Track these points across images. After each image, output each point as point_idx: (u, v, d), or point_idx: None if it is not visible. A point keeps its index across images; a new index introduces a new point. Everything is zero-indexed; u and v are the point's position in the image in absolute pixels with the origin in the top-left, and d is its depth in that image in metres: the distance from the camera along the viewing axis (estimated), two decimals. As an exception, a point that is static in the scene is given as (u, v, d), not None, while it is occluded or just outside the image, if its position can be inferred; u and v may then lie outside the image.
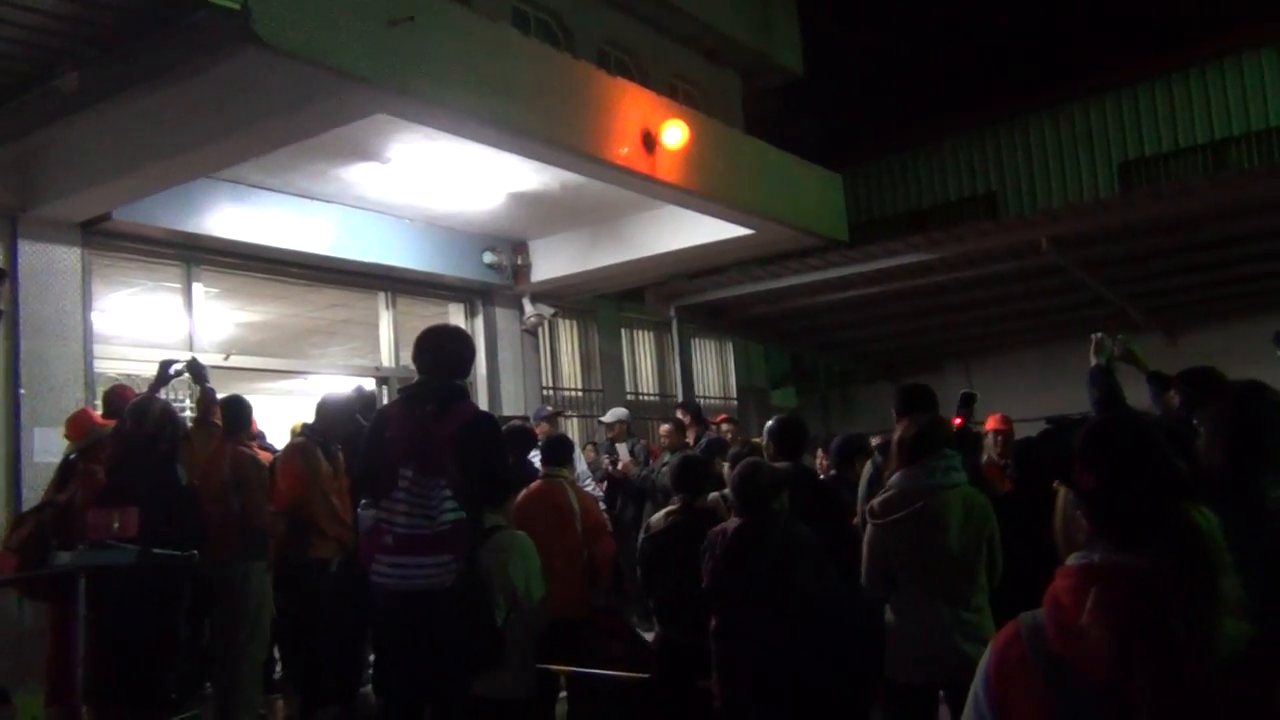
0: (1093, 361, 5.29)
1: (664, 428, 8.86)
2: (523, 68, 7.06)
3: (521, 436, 6.86)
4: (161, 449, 5.29)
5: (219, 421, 5.93)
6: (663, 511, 5.50)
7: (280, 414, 9.76)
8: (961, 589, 4.29)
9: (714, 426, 9.32)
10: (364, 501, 4.01)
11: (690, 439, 8.93)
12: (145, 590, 4.80)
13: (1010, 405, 10.99)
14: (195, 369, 6.15)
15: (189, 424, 5.97)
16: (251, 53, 5.36)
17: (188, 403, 7.70)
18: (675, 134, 7.92)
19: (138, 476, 5.11)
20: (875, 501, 4.50)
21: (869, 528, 4.51)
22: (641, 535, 5.57)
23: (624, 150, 7.72)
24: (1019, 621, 1.80)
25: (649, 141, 7.85)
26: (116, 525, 4.51)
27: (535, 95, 7.07)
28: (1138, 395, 5.54)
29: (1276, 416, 3.69)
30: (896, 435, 4.65)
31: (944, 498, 4.35)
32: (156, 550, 4.45)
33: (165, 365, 6.05)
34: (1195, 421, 4.03)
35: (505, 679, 4.87)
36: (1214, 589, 1.53)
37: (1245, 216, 9.45)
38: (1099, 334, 5.34)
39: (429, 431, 3.86)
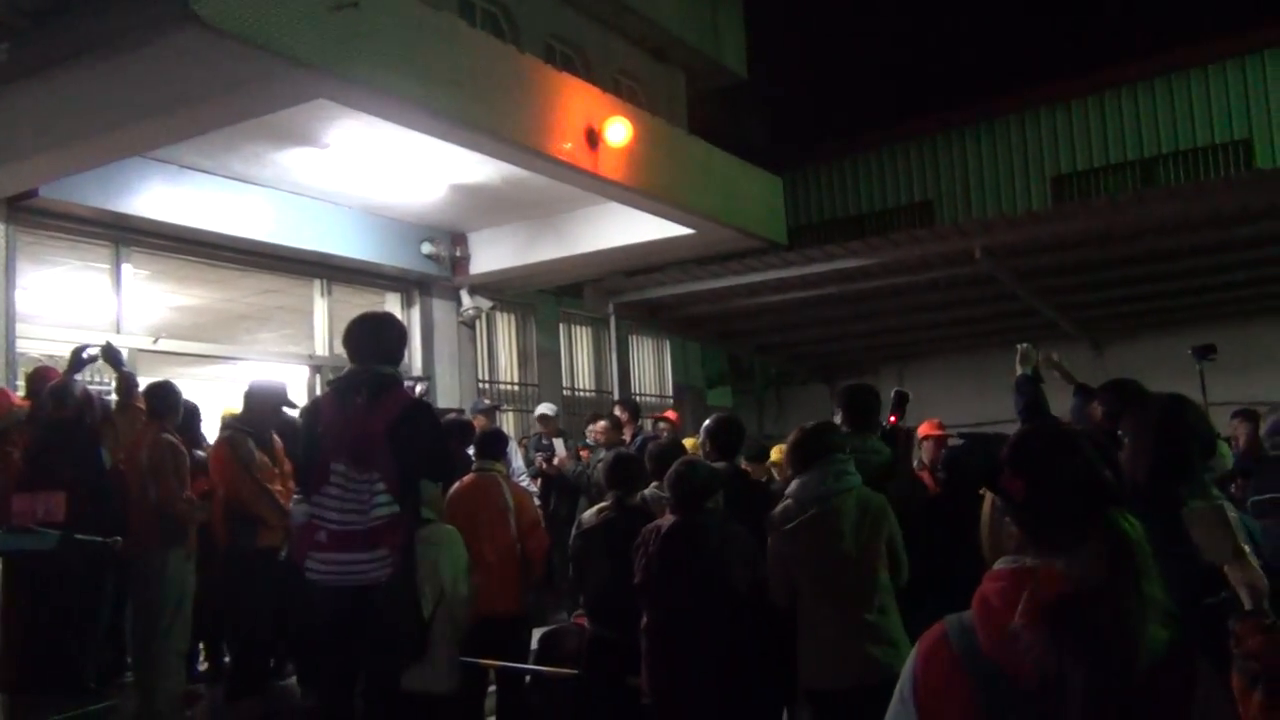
0: (1018, 371, 5.39)
1: (599, 424, 8.83)
2: (468, 58, 7.01)
3: (461, 430, 6.84)
4: (84, 432, 5.16)
5: (141, 405, 5.81)
6: (595, 508, 5.51)
7: (211, 400, 9.56)
8: (863, 592, 4.32)
9: (654, 423, 9.36)
10: (296, 496, 3.94)
11: (627, 436, 8.95)
12: (66, 576, 4.68)
13: (943, 411, 11.17)
14: (110, 354, 6.02)
15: (112, 408, 5.81)
16: (191, 32, 5.24)
17: (111, 386, 7.53)
18: (619, 131, 7.92)
19: (62, 460, 4.99)
20: (775, 511, 4.53)
21: (770, 538, 4.53)
22: (574, 531, 5.56)
23: (567, 145, 7.70)
24: (945, 623, 1.82)
25: (592, 137, 7.84)
26: (42, 511, 4.39)
27: (480, 86, 7.01)
28: (1060, 406, 5.67)
29: (1196, 429, 3.80)
30: (790, 441, 4.68)
31: (838, 502, 4.39)
32: (79, 536, 4.33)
33: (79, 350, 5.93)
34: (1120, 433, 4.14)
35: (430, 673, 4.84)
36: (1141, 594, 1.57)
37: (1172, 233, 9.71)
38: (1025, 344, 5.44)
39: (360, 424, 3.81)
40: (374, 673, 3.89)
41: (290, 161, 8.24)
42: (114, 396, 6.23)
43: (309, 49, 5.72)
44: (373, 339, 4.11)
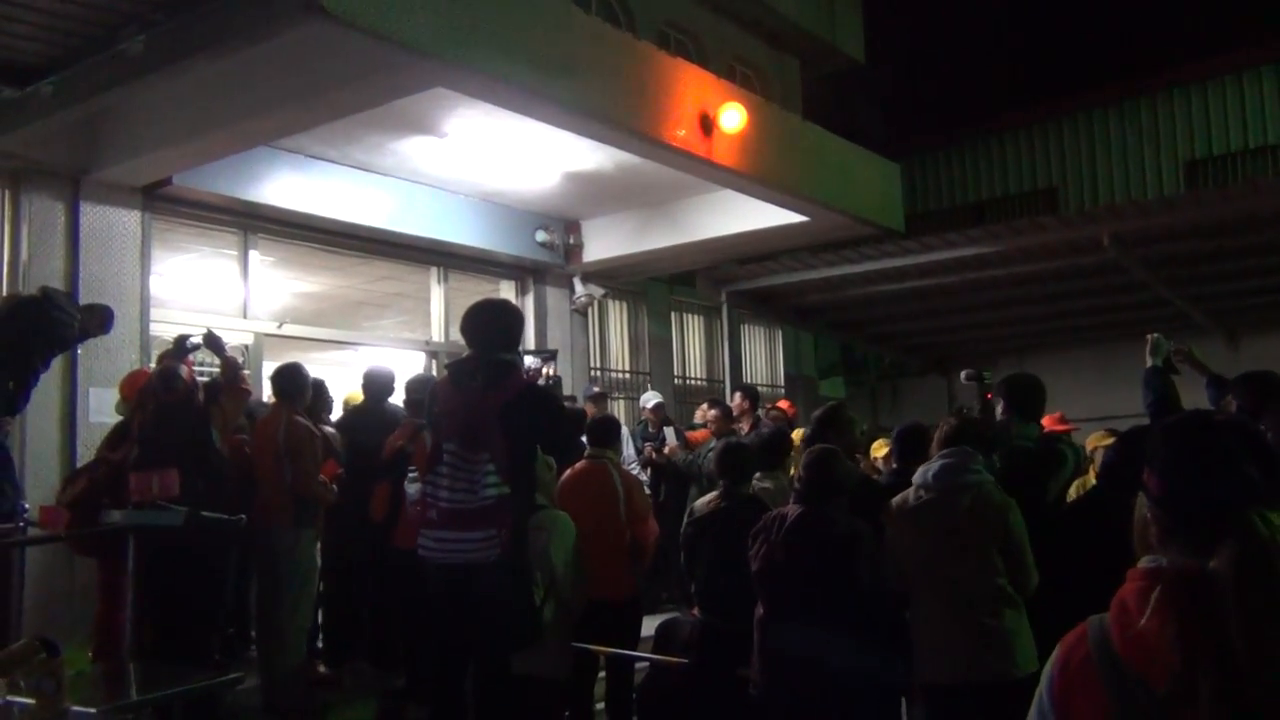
0: (1148, 363, 5.17)
1: (711, 412, 8.77)
2: (583, 45, 7.02)
3: (574, 417, 6.87)
4: (193, 413, 5.35)
5: (245, 388, 6.00)
6: (707, 497, 5.47)
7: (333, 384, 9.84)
8: (976, 590, 4.20)
9: (765, 412, 9.26)
10: (411, 474, 4.01)
11: (745, 425, 8.85)
12: (193, 552, 4.85)
13: (1065, 405, 10.80)
14: (211, 341, 6.21)
15: (219, 391, 6.00)
16: (315, 23, 5.37)
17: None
18: (733, 117, 7.84)
19: (172, 440, 5.18)
20: (896, 499, 4.44)
21: (886, 524, 4.44)
22: (685, 520, 5.53)
23: (681, 132, 7.66)
24: (1088, 623, 1.76)
25: (706, 124, 7.77)
26: (158, 488, 4.56)
27: (594, 73, 7.02)
28: (1195, 399, 5.43)
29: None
30: (939, 431, 4.57)
31: (958, 494, 4.28)
32: (205, 514, 4.48)
33: (183, 338, 6.15)
34: (1262, 427, 3.93)
35: (542, 658, 4.89)
36: (1273, 598, 1.46)
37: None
38: (1155, 334, 5.22)
39: (473, 406, 3.85)
40: (484, 654, 3.92)
41: (409, 150, 8.39)
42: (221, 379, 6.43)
43: (427, 38, 5.80)
44: (490, 326, 4.15)
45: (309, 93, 6.26)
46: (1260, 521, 1.52)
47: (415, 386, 6.21)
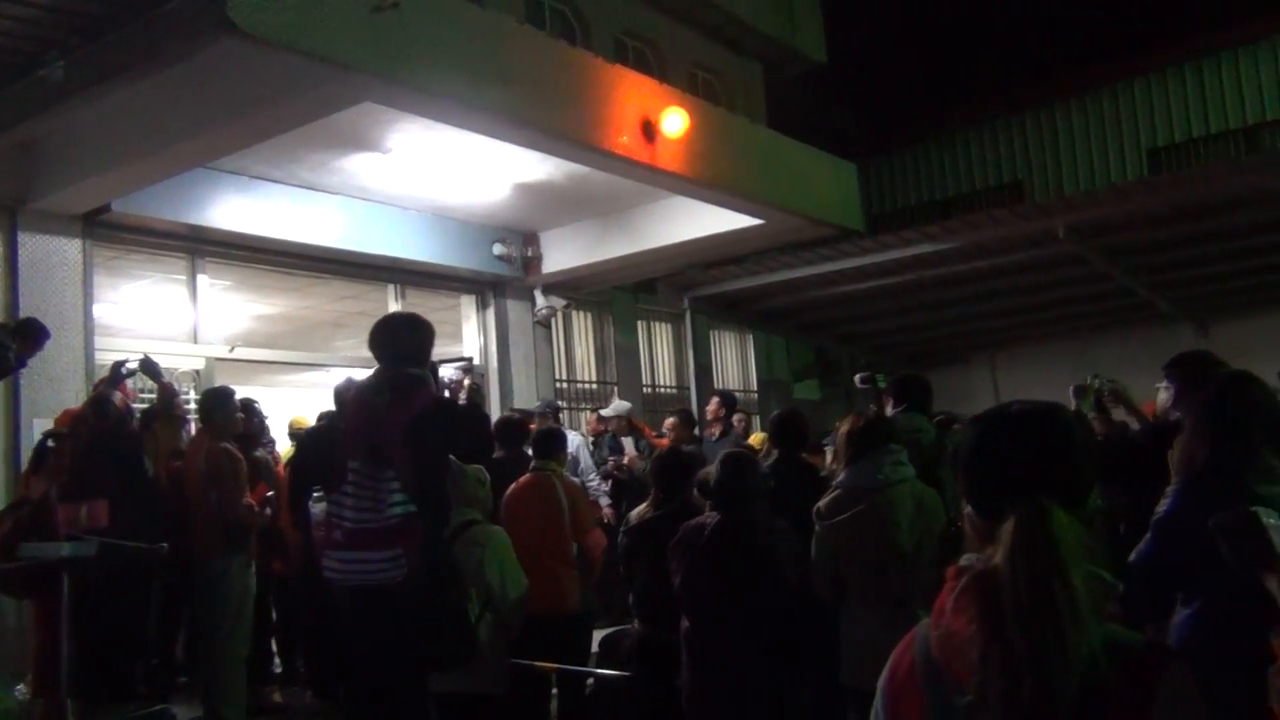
0: (1072, 405, 5.19)
1: (669, 421, 8.70)
2: (515, 54, 6.97)
3: (514, 429, 6.81)
4: (126, 441, 5.27)
5: (181, 413, 5.92)
6: (641, 506, 5.40)
7: (303, 409, 9.76)
8: (916, 588, 4.12)
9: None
10: (316, 494, 3.93)
11: (716, 431, 8.75)
12: (110, 583, 4.77)
13: (1040, 398, 10.75)
14: (147, 366, 6.13)
15: (154, 417, 5.91)
16: (229, 40, 5.31)
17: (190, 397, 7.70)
18: (675, 122, 7.79)
19: (104, 469, 5.10)
20: (822, 502, 4.37)
21: (818, 529, 4.37)
22: (621, 531, 5.46)
23: (623, 139, 7.60)
24: (916, 628, 1.71)
25: (649, 130, 7.72)
26: (85, 519, 4.48)
27: (529, 83, 6.97)
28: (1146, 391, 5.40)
29: (1261, 409, 3.53)
30: (841, 431, 4.53)
31: (892, 494, 4.21)
32: (119, 542, 4.40)
33: (118, 365, 6.07)
34: (1177, 415, 3.88)
35: (479, 675, 4.80)
36: (1048, 591, 1.39)
37: (1276, 202, 9.14)
38: (1093, 377, 5.27)
39: (378, 422, 3.78)
40: (396, 676, 3.83)
41: (355, 167, 8.32)
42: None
43: (351, 52, 5.74)
44: (397, 340, 4.08)
45: (234, 112, 6.19)
46: (1039, 514, 1.46)
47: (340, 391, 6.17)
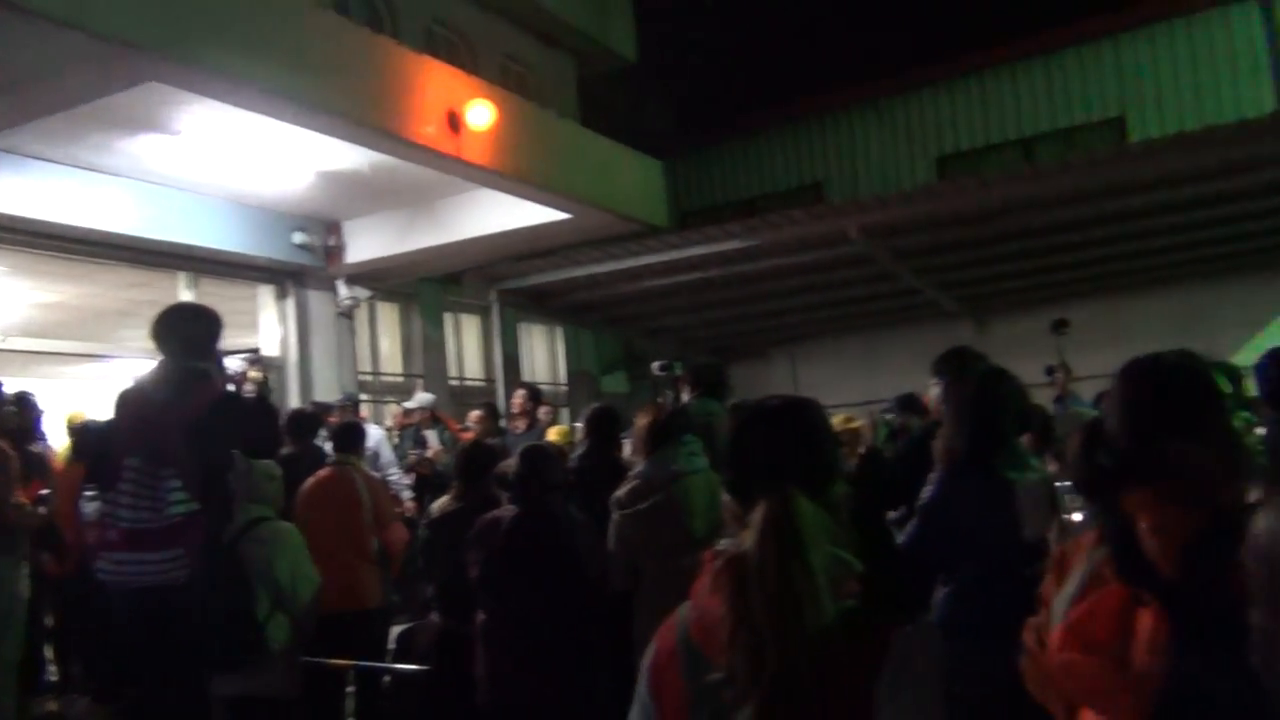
0: None
1: (474, 414, 8.66)
2: (315, 40, 6.80)
3: (306, 422, 6.66)
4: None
5: None
6: (443, 498, 5.38)
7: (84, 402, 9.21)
8: None
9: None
10: (89, 493, 3.75)
11: (522, 425, 8.76)
12: None
13: (834, 393, 11.28)
14: None
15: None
16: (1, 13, 4.97)
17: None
18: (481, 114, 7.76)
19: None
20: (621, 491, 4.47)
21: (614, 518, 4.47)
22: (422, 523, 5.43)
23: (429, 130, 7.52)
24: (679, 608, 1.79)
25: (455, 121, 7.66)
26: None
27: (330, 69, 6.81)
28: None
29: (1012, 402, 3.82)
30: (640, 423, 4.65)
31: (688, 483, 4.35)
32: None
33: None
34: (944, 405, 4.15)
35: (268, 677, 4.67)
36: (789, 572, 1.50)
37: (1047, 209, 9.86)
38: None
39: (158, 418, 3.63)
40: (175, 678, 3.70)
41: (141, 150, 7.91)
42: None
43: (134, 30, 5.47)
44: (179, 332, 3.93)
45: (5, 88, 5.79)
46: (784, 500, 1.56)
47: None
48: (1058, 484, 2.54)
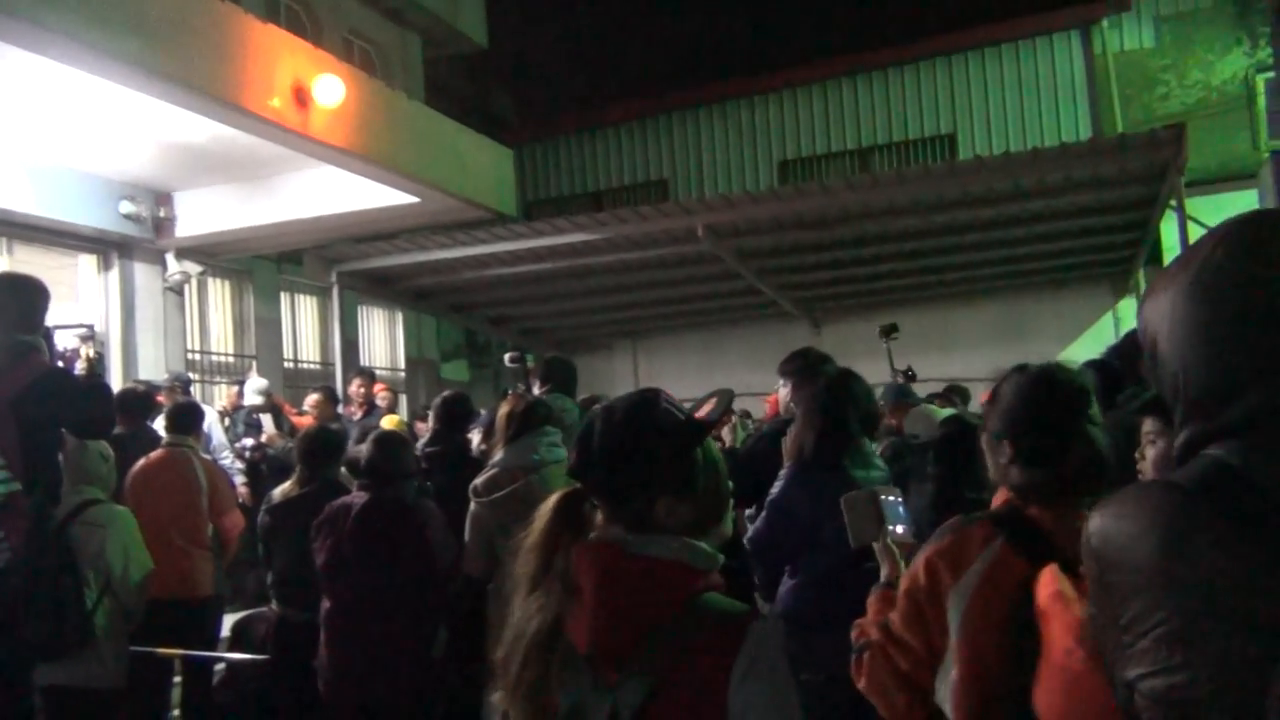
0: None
1: (313, 397, 8.43)
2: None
3: (139, 402, 6.37)
4: None
5: None
6: (285, 484, 5.24)
7: None
8: None
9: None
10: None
11: (359, 410, 8.62)
12: None
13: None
14: None
15: None
16: None
17: None
18: (330, 90, 7.54)
19: None
20: (479, 480, 4.47)
21: (472, 506, 4.46)
22: (262, 509, 5.27)
23: (274, 103, 7.25)
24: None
25: (301, 95, 7.42)
26: None
27: (166, 32, 6.46)
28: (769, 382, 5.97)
29: (859, 403, 3.99)
30: (501, 411, 4.66)
31: (547, 473, 4.38)
32: None
33: None
34: (794, 404, 4.30)
35: (95, 666, 4.46)
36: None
37: (879, 218, 10.29)
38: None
39: (-21, 396, 3.40)
40: (1, 667, 3.49)
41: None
42: None
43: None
44: (2, 304, 3.67)
45: None
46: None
47: None
48: (883, 497, 2.67)
